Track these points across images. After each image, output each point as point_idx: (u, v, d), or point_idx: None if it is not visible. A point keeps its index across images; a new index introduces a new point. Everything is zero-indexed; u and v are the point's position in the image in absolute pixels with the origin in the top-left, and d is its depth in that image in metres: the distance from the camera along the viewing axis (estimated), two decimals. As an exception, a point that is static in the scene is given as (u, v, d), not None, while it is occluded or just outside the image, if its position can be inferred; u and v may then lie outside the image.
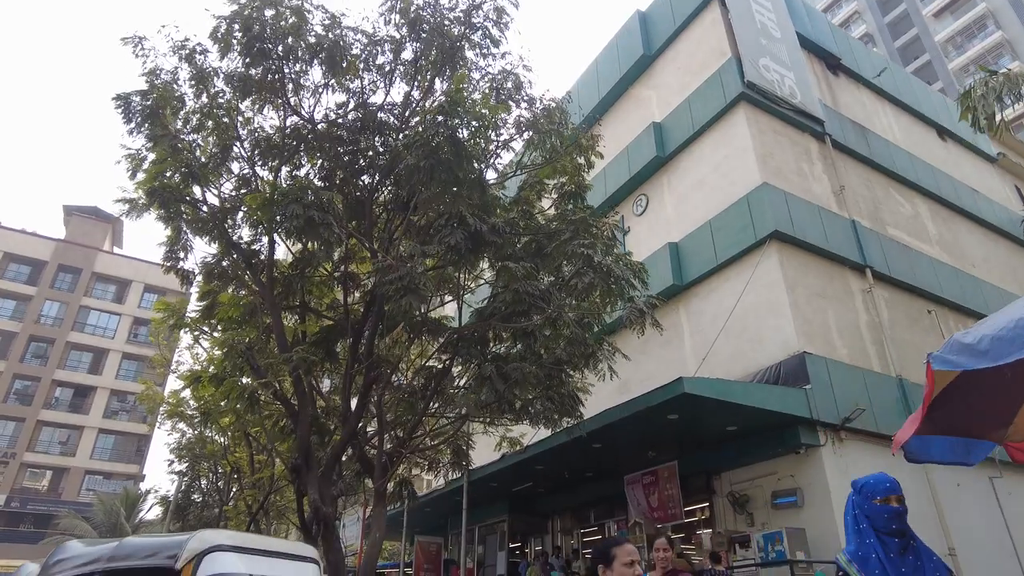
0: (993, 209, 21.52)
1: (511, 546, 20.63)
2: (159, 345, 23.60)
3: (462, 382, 11.22)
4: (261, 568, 4.54)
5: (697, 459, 13.80)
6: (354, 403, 8.41)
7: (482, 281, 12.23)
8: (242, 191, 8.69)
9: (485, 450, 16.74)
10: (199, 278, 9.24)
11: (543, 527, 19.06)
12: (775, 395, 11.51)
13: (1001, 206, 22.35)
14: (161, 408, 21.46)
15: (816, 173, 16.43)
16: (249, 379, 7.86)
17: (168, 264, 8.70)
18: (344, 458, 10.54)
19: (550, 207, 9.80)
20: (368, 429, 10.47)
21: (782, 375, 12.47)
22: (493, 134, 8.05)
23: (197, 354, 17.95)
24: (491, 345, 8.72)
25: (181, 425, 21.15)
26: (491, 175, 8.65)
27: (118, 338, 56.26)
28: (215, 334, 9.47)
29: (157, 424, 23.64)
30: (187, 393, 17.98)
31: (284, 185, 6.78)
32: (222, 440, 19.62)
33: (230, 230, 8.81)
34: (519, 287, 7.43)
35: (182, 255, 8.57)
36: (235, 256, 9.01)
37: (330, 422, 9.14)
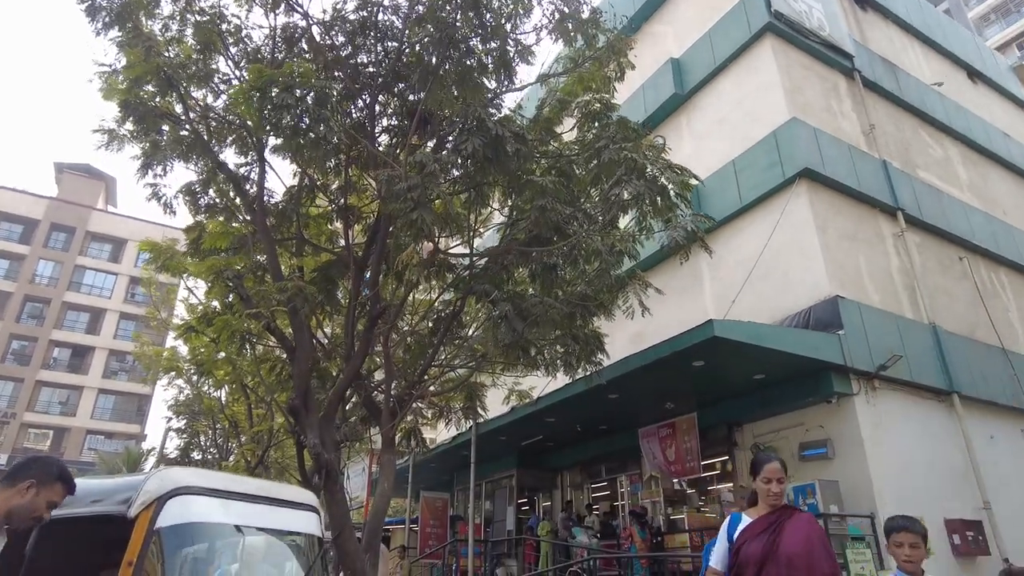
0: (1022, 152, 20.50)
1: (519, 502, 20.21)
2: (152, 296, 22.80)
3: (473, 328, 10.44)
4: (245, 516, 3.62)
5: (718, 410, 13.13)
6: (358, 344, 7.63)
7: (494, 221, 11.36)
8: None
9: (493, 404, 16.09)
10: (184, 207, 8.35)
11: (552, 482, 18.57)
12: (808, 340, 10.74)
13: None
14: (158, 365, 20.79)
15: (845, 111, 15.39)
16: (241, 315, 7.04)
17: (146, 183, 7.78)
18: (349, 405, 9.85)
19: (571, 128, 8.86)
20: (375, 374, 9.70)
21: (812, 321, 11.70)
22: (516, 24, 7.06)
23: (193, 304, 17.21)
24: (506, 283, 7.89)
25: (179, 381, 20.53)
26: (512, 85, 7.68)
27: (115, 298, 55.54)
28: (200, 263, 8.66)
29: (154, 380, 23.03)
30: (184, 350, 17.32)
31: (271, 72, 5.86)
32: (219, 394, 18.99)
33: (216, 148, 7.87)
34: (546, 204, 6.55)
35: (160, 172, 7.63)
36: (222, 180, 8.11)
37: (332, 366, 8.39)
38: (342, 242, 8.87)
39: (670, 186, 7.27)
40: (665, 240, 8.13)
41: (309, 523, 3.94)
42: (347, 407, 9.41)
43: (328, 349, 8.92)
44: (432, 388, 9.31)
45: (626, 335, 13.62)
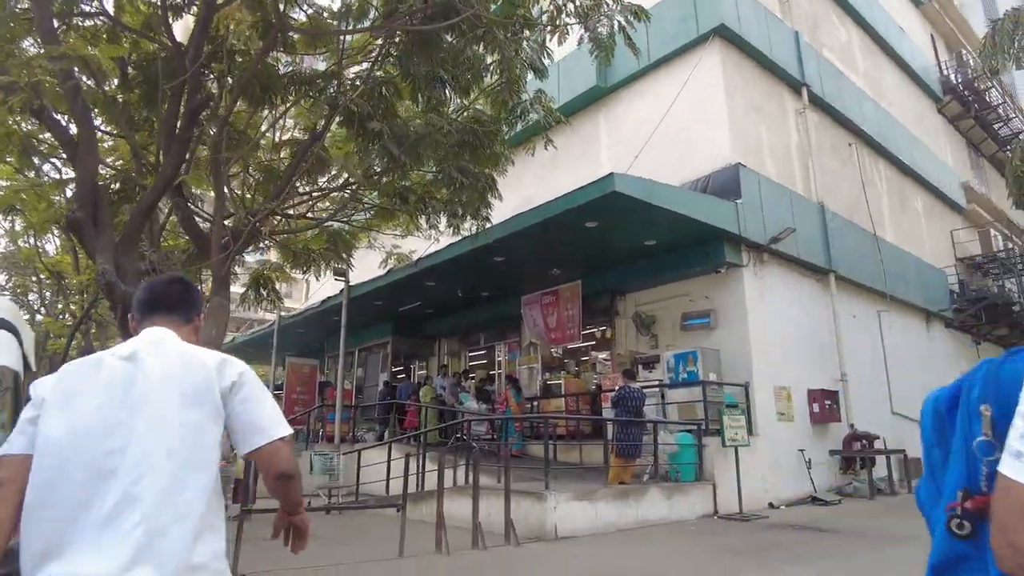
0: (915, 54, 20.72)
1: (394, 369, 19.49)
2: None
3: (341, 171, 8.80)
4: None
5: (603, 278, 12.63)
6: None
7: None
8: None
9: (371, 268, 14.78)
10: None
11: (429, 350, 17.89)
12: (707, 205, 10.17)
13: (921, 53, 21.65)
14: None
15: (765, -30, 14.31)
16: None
17: None
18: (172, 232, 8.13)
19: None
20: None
21: (710, 188, 11.14)
22: None
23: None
24: (384, 103, 6.33)
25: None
26: None
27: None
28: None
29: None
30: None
31: None
32: (39, 242, 16.19)
33: None
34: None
35: None
36: None
37: (147, 179, 6.62)
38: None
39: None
40: (587, 42, 6.76)
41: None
42: (163, 229, 7.70)
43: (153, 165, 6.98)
44: (280, 222, 7.76)
45: (516, 199, 12.51)
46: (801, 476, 10.87)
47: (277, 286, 8.28)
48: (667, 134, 12.25)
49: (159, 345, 1.72)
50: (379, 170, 6.45)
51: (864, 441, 11.85)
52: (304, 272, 8.73)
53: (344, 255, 7.87)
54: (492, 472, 9.48)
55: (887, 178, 17.04)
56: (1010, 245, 20.51)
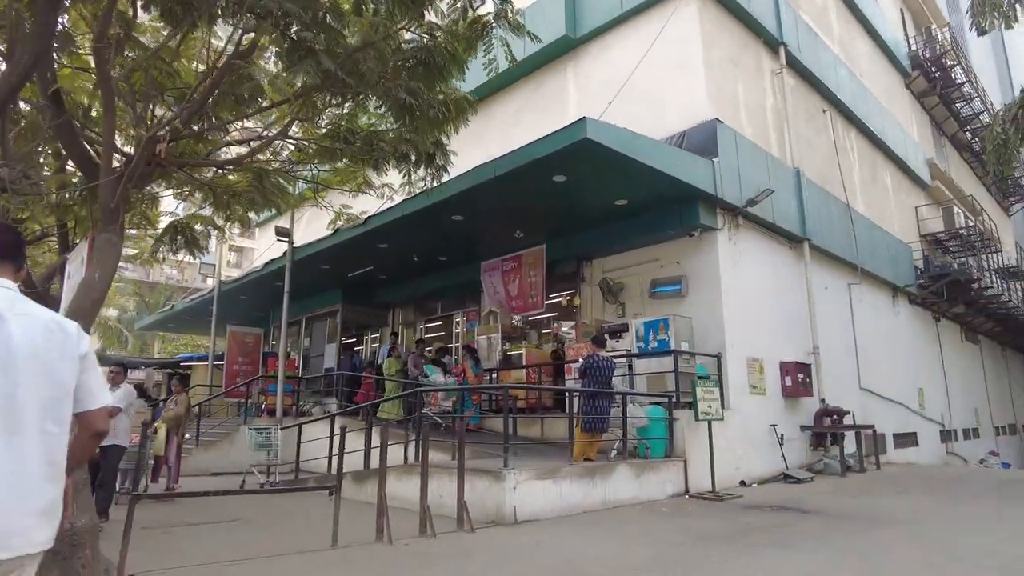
0: (886, 26, 20.31)
1: (345, 341, 18.42)
2: None
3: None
4: None
5: (569, 243, 11.80)
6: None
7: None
8: None
9: (319, 232, 13.66)
10: None
11: (382, 319, 16.86)
12: (684, 162, 9.37)
13: (892, 26, 21.28)
14: None
15: (745, -80, 13.48)
16: None
17: None
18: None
19: None
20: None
21: (685, 146, 10.35)
22: None
23: None
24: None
25: None
26: None
27: None
28: None
29: None
30: None
31: None
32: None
33: None
34: None
35: None
36: None
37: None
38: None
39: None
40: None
41: None
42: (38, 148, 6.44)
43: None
44: (205, 153, 6.56)
45: (478, 157, 11.51)
46: (773, 452, 10.35)
47: (198, 234, 7.15)
48: (640, 88, 11.42)
49: (20, 305, 1.83)
50: (313, 86, 5.38)
51: (835, 416, 11.42)
52: (227, 218, 7.57)
53: (276, 201, 6.75)
54: (447, 448, 8.64)
55: (858, 149, 16.60)
56: (971, 222, 20.46)
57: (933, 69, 22.27)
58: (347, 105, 6.92)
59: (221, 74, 5.50)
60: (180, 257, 8.09)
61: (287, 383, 13.42)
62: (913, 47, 22.33)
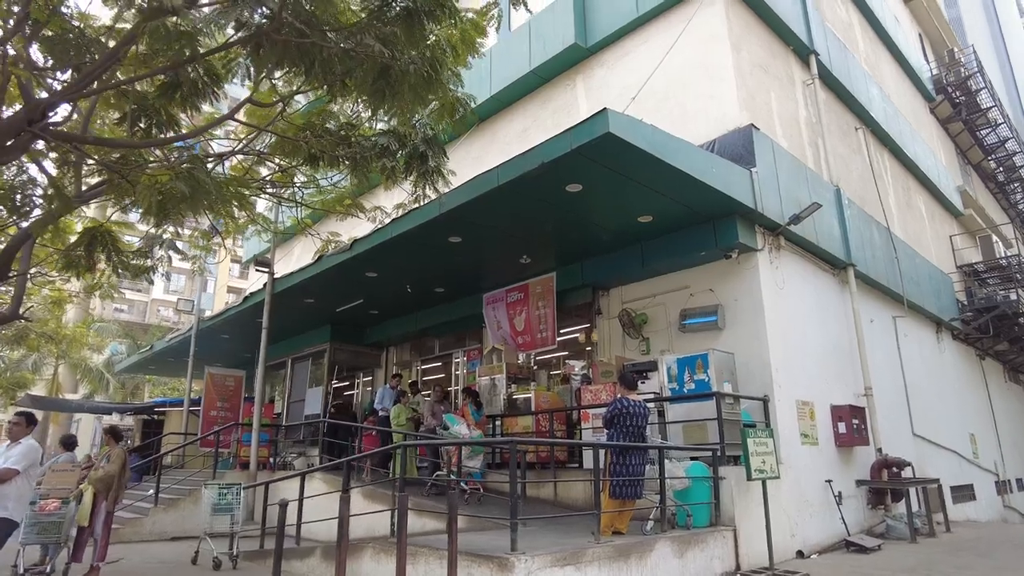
0: (909, 48, 19.30)
1: (336, 383, 16.87)
2: None
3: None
4: None
5: (582, 270, 10.38)
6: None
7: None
8: None
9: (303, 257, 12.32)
10: None
11: (375, 359, 15.32)
12: (721, 170, 8.00)
13: (915, 48, 20.30)
14: None
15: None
16: None
17: None
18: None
19: None
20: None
21: (718, 155, 9.01)
22: None
23: None
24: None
25: None
26: None
27: None
28: None
29: None
30: None
31: None
32: None
33: None
34: None
35: None
36: None
37: None
38: None
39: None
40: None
41: None
42: None
43: None
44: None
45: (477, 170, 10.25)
46: (830, 514, 8.70)
47: (124, 246, 5.74)
48: (659, 95, 10.19)
49: None
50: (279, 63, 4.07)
51: (894, 468, 9.79)
52: (157, 226, 6.14)
53: (212, 200, 5.33)
54: (440, 514, 7.06)
55: (892, 172, 15.31)
56: (1011, 252, 19.03)
57: (957, 94, 21.23)
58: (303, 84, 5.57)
59: (139, 26, 4.16)
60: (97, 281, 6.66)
61: (264, 431, 11.82)
62: (934, 71, 21.34)
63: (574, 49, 11.79)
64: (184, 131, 6.13)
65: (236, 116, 5.83)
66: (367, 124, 6.04)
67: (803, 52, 11.92)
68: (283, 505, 6.55)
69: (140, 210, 5.03)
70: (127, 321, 47.44)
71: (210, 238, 11.44)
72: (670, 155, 7.12)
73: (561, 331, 10.70)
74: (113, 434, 7.02)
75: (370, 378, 15.83)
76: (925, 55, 22.07)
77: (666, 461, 6.52)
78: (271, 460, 12.23)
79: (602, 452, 6.00)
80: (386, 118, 5.53)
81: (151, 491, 10.85)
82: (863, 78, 14.29)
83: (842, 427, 9.32)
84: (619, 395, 6.42)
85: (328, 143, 5.75)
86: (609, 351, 10.18)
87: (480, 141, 13.67)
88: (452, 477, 8.48)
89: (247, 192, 6.38)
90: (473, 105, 8.04)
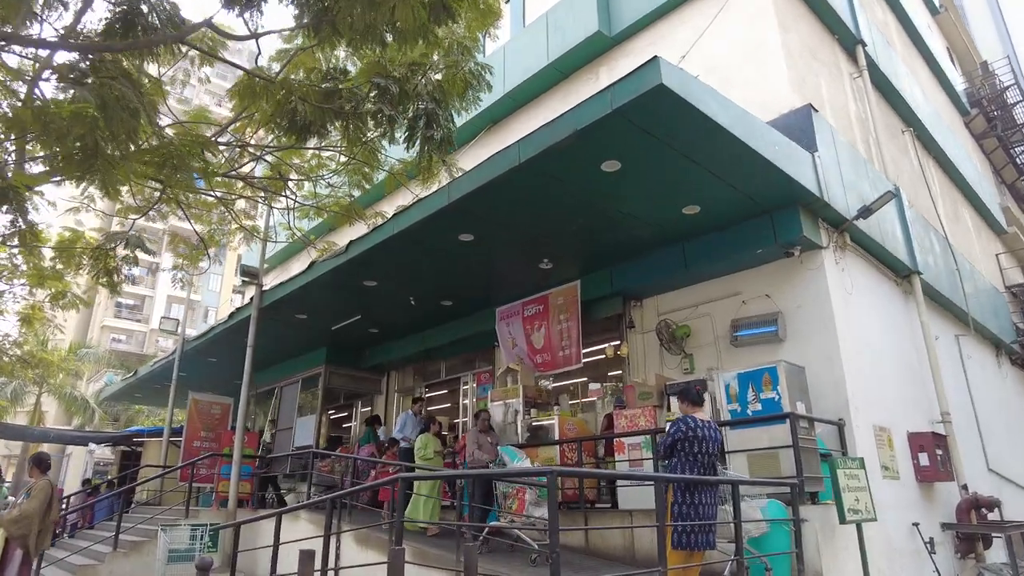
0: (943, 56, 18.27)
1: (331, 413, 15.49)
2: None
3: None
4: None
5: (610, 276, 9.07)
6: None
7: None
8: None
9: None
10: None
11: (375, 385, 13.92)
12: (783, 148, 6.73)
13: (947, 59, 19.28)
14: None
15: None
16: None
17: None
18: None
19: None
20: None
21: (770, 142, 7.76)
22: None
23: None
24: None
25: None
26: None
27: None
28: None
29: None
30: None
31: None
32: None
33: None
34: None
35: None
36: None
37: None
38: None
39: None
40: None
41: None
42: None
43: None
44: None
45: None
46: (919, 565, 7.19)
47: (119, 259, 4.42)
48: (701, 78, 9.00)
49: None
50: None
51: (983, 509, 8.29)
52: (76, 180, 4.78)
53: (169, 165, 4.00)
54: (447, 562, 5.63)
55: (939, 181, 14.07)
56: (1063, 272, 17.66)
57: (992, 108, 20.15)
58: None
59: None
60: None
61: (245, 463, 10.38)
62: (970, 84, 20.30)
63: (597, 38, 10.69)
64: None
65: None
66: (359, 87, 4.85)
67: (849, 42, 10.81)
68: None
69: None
70: (125, 351, 46.09)
71: (193, 247, 10.28)
72: (732, 124, 5.87)
73: (587, 347, 9.33)
74: (38, 463, 5.64)
75: (369, 408, 14.40)
76: (956, 67, 21.09)
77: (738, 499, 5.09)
78: (257, 497, 10.76)
79: (659, 485, 4.57)
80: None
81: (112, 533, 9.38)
82: (908, 76, 13.18)
83: (923, 458, 7.85)
84: (681, 412, 5.01)
85: (312, 92, 4.54)
86: (644, 370, 8.78)
87: (494, 144, 12.44)
88: (513, 526, 6.59)
89: (210, 154, 5.13)
90: (489, 77, 6.93)
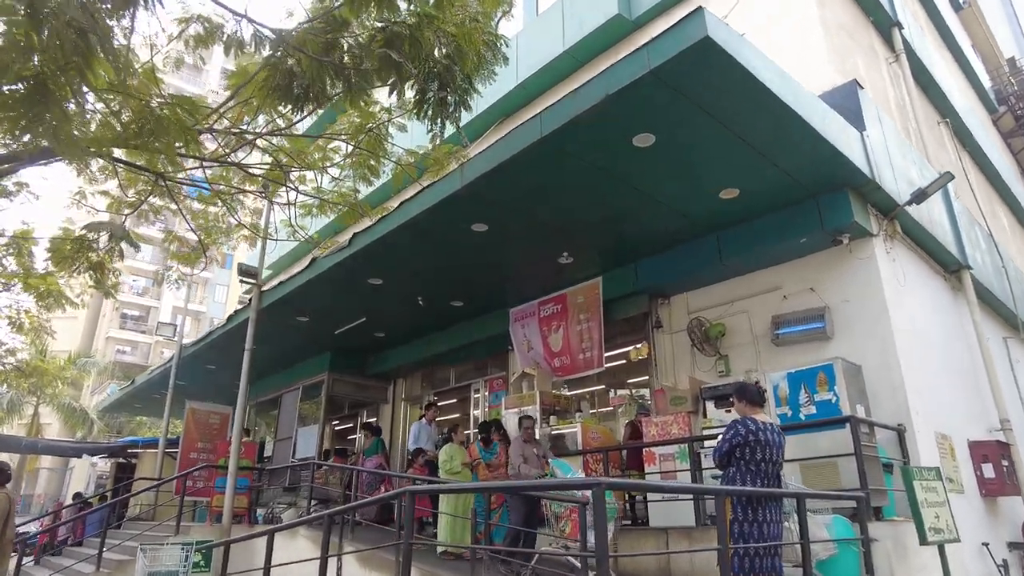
0: (968, 48, 17.60)
1: (335, 423, 14.81)
2: None
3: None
4: None
5: (635, 272, 8.38)
6: None
7: None
8: None
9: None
10: None
11: (381, 393, 13.23)
12: (833, 123, 6.04)
13: (972, 54, 18.59)
14: None
15: None
16: None
17: None
18: None
19: None
20: None
21: (812, 122, 7.08)
22: None
23: None
24: None
25: None
26: None
27: None
28: None
29: None
30: None
31: None
32: None
33: None
34: None
35: None
36: None
37: None
38: None
39: None
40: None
41: None
42: None
43: None
44: None
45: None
46: (991, 590, 6.41)
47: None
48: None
49: None
50: None
51: (1051, 527, 7.50)
52: (12, 134, 4.15)
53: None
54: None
55: (974, 179, 13.34)
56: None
57: (1020, 105, 19.43)
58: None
59: None
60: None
61: (242, 476, 9.69)
62: (998, 80, 19.60)
63: (617, 22, 10.08)
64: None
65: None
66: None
67: (885, 25, 10.16)
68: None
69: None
70: (130, 363, 45.61)
71: (192, 247, 9.73)
72: (780, 90, 5.19)
73: (609, 349, 8.63)
74: (-3, 473, 4.99)
75: (375, 419, 13.69)
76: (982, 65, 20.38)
77: (798, 514, 4.36)
78: (259, 511, 10.07)
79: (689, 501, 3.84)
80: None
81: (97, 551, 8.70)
82: (942, 64, 12.51)
83: (987, 470, 7.09)
84: (741, 413, 4.27)
85: (311, 43, 3.92)
86: (673, 373, 8.06)
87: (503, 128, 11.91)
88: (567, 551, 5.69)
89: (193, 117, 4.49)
90: (506, 48, 6.31)
